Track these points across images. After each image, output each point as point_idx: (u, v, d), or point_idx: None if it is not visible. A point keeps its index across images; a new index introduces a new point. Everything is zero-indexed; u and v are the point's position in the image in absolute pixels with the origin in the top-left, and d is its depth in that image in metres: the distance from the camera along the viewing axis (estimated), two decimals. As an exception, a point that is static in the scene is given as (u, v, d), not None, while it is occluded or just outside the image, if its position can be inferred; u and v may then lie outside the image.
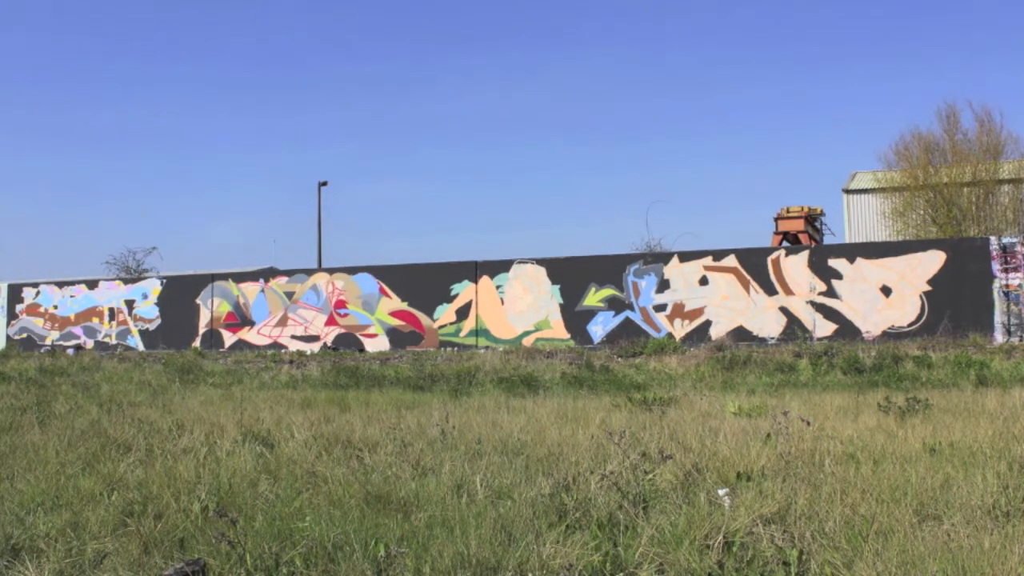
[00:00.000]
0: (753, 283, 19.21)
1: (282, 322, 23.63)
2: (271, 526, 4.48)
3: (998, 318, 17.40)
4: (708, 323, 19.43)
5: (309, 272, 23.97)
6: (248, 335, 23.90)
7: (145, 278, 28.16)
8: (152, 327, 25.43)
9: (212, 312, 24.59)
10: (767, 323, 18.96)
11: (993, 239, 17.98)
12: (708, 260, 19.72)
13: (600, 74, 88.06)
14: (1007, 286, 17.43)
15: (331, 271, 23.69)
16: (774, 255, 19.35)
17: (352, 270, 23.16)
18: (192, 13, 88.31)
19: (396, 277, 22.52)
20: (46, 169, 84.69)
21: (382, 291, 22.53)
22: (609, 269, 20.45)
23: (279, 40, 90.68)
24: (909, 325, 17.92)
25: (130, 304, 25.89)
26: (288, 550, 4.14)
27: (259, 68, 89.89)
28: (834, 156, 79.33)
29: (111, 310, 26.17)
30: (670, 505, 4.77)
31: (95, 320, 26.37)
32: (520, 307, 21.05)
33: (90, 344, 26.16)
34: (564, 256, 21.16)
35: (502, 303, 21.23)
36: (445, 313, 21.75)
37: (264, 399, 11.36)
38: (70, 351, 24.90)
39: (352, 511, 4.81)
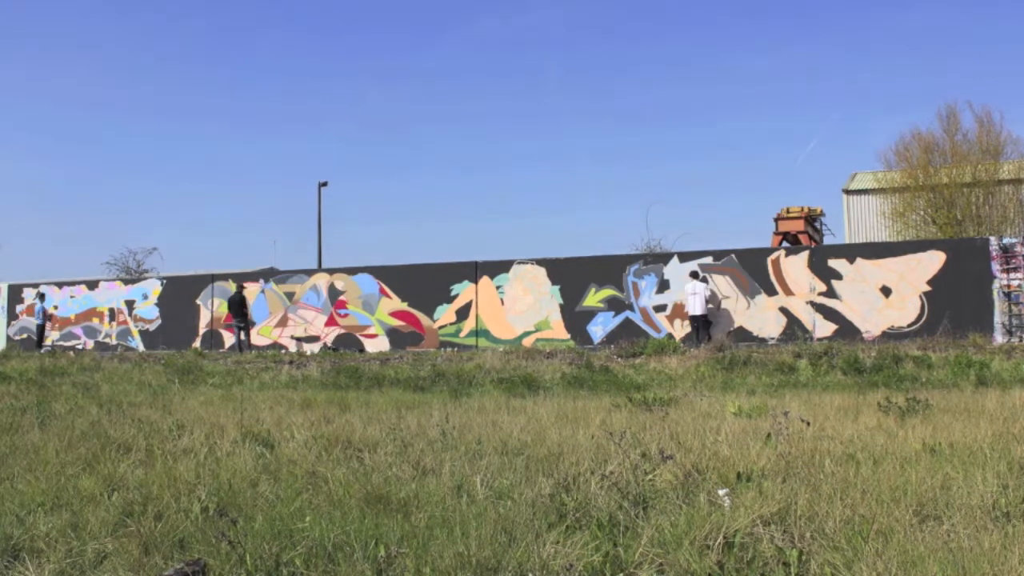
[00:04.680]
0: (753, 283, 19.22)
1: (282, 322, 23.63)
2: (271, 526, 4.48)
3: (998, 318, 17.40)
4: (708, 323, 19.42)
5: (309, 272, 23.98)
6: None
7: (145, 278, 28.17)
8: (152, 327, 25.43)
9: (212, 312, 24.59)
10: (767, 323, 18.97)
11: (993, 239, 17.98)
12: (708, 260, 19.73)
13: (600, 74, 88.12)
14: (1007, 286, 17.43)
15: (331, 271, 23.69)
16: (774, 255, 19.35)
17: (352, 270, 23.16)
18: (193, 16, 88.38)
19: (396, 277, 22.53)
20: (47, 170, 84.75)
21: (382, 291, 22.53)
22: (609, 269, 20.45)
23: (280, 39, 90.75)
24: (909, 325, 17.92)
25: (130, 304, 25.90)
26: (288, 550, 4.14)
27: (258, 67, 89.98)
28: (834, 156, 79.41)
29: (111, 310, 26.17)
30: (670, 505, 4.76)
31: (95, 320, 26.38)
32: (520, 307, 21.05)
33: (90, 344, 26.17)
34: (564, 256, 21.17)
35: (502, 303, 21.23)
36: (445, 313, 21.76)
37: (264, 399, 11.35)
38: (74, 349, 24.97)
39: (352, 511, 4.81)
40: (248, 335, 22.86)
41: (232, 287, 24.30)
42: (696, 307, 18.73)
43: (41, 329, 25.79)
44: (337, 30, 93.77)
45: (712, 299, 19.16)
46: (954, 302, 17.59)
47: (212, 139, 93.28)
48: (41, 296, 26.23)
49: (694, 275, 19.20)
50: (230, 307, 22.87)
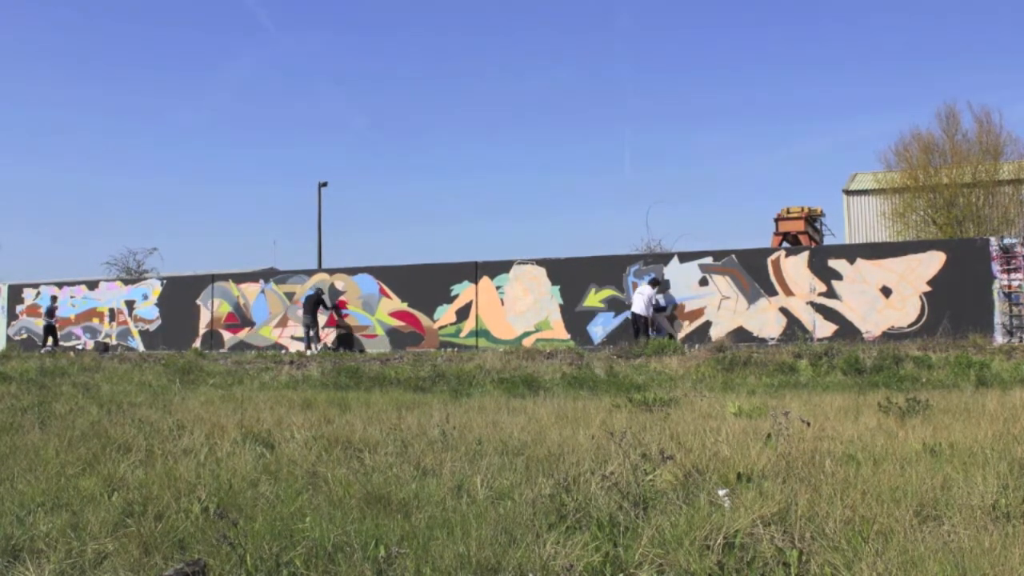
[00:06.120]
0: (753, 284, 19.21)
1: (282, 323, 23.62)
2: (271, 527, 4.48)
3: (998, 319, 17.40)
4: (708, 324, 19.43)
5: (309, 273, 23.97)
6: (248, 336, 23.91)
7: (145, 279, 28.17)
8: (152, 328, 25.43)
9: (212, 312, 24.59)
10: (767, 324, 18.96)
11: (993, 240, 17.97)
12: (708, 260, 19.72)
13: (600, 75, 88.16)
14: (1007, 287, 17.43)
15: (331, 272, 23.68)
16: (774, 256, 19.34)
17: (352, 271, 23.15)
18: (193, 16, 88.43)
19: (396, 278, 22.51)
20: (47, 170, 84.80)
21: (382, 292, 22.52)
22: (609, 270, 20.44)
23: (278, 38, 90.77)
24: (909, 326, 17.92)
25: (130, 305, 25.90)
26: (288, 551, 4.14)
27: (257, 67, 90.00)
28: (834, 156, 79.43)
29: (111, 311, 26.17)
30: (670, 506, 4.76)
31: (95, 321, 26.38)
32: (520, 308, 21.04)
33: (90, 344, 26.17)
34: (564, 257, 21.16)
35: (502, 304, 21.23)
36: (445, 314, 21.75)
37: (264, 400, 11.35)
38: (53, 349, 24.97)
39: (352, 512, 4.81)
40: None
41: (232, 287, 24.33)
42: (638, 306, 19.00)
43: (50, 329, 26.08)
44: (338, 27, 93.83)
45: (659, 306, 19.35)
46: (954, 302, 17.58)
47: (212, 139, 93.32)
48: (53, 298, 26.68)
49: (654, 283, 19.39)
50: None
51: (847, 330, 18.24)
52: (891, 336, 17.79)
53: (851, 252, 19.13)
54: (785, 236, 28.92)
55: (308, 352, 21.70)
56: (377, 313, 22.48)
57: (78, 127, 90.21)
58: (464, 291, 21.63)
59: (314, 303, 22.32)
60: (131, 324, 25.76)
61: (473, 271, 21.64)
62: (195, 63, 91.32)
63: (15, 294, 27.95)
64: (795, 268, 18.94)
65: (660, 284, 19.56)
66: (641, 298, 19.06)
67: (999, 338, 17.19)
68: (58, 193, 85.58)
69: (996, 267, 17.53)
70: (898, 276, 18.17)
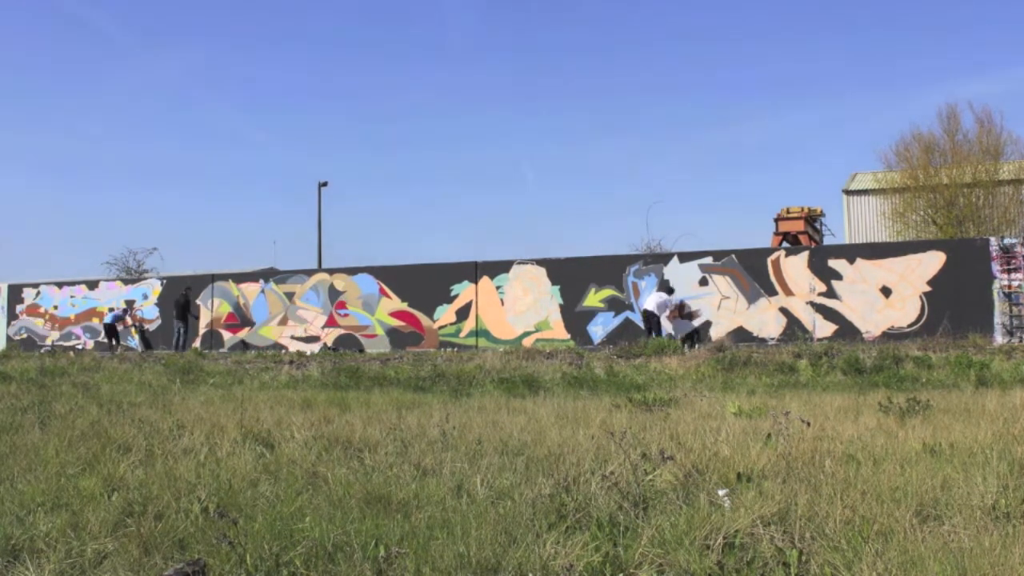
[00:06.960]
0: (753, 284, 19.22)
1: (282, 322, 23.63)
2: (271, 527, 4.47)
3: (998, 319, 17.40)
4: (708, 324, 19.43)
5: (309, 272, 23.98)
6: (248, 335, 23.91)
7: (145, 279, 28.18)
8: (152, 327, 25.42)
9: (212, 312, 24.59)
10: (767, 324, 18.96)
11: (993, 240, 17.99)
12: (708, 260, 19.73)
13: (599, 76, 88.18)
14: (1007, 287, 17.43)
15: (331, 271, 23.69)
16: (774, 256, 19.35)
17: (352, 270, 23.16)
18: (192, 15, 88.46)
19: (396, 277, 22.52)
20: (47, 169, 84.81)
21: (382, 291, 22.53)
22: (609, 270, 20.45)
23: (279, 40, 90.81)
24: (909, 326, 17.92)
25: (130, 304, 25.90)
26: (288, 550, 4.14)
27: (258, 70, 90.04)
28: (834, 156, 79.44)
29: (111, 310, 26.16)
30: (670, 506, 4.76)
31: (95, 320, 26.37)
32: (520, 308, 21.05)
33: (90, 344, 26.17)
34: (564, 257, 21.17)
35: (502, 304, 21.23)
36: (445, 314, 21.75)
37: (264, 399, 11.35)
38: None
39: (352, 511, 4.81)
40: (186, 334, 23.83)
41: (232, 287, 24.34)
42: (651, 303, 18.84)
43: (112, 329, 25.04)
44: (339, 22, 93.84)
45: (680, 308, 19.17)
46: (954, 302, 17.59)
47: (212, 138, 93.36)
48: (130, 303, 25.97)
49: (668, 290, 19.25)
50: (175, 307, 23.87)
51: (847, 330, 18.24)
52: (891, 336, 17.80)
53: (851, 252, 19.14)
54: (785, 236, 28.94)
55: (177, 351, 22.57)
56: (377, 313, 22.49)
57: (78, 125, 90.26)
58: (464, 291, 21.64)
59: (181, 306, 23.62)
60: (131, 324, 25.74)
61: (473, 271, 21.64)
62: (192, 60, 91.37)
63: (15, 294, 27.96)
64: (795, 268, 18.94)
65: (672, 290, 19.31)
66: (656, 297, 18.83)
67: (999, 338, 17.19)
68: (58, 193, 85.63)
69: (996, 267, 17.54)
70: (898, 276, 18.17)
